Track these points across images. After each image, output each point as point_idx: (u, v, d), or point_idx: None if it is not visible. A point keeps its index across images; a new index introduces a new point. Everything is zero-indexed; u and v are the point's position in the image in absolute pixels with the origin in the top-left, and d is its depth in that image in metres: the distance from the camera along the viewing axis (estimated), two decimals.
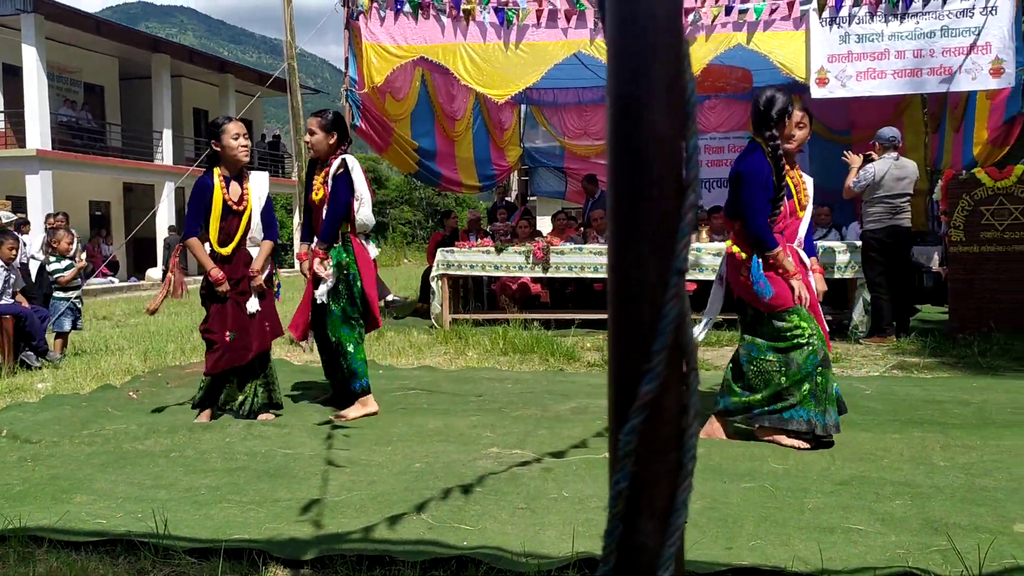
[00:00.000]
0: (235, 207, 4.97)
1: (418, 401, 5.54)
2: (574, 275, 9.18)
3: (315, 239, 5.09)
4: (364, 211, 5.10)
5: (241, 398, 5.11)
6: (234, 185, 5.00)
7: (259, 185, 5.17)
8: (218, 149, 4.97)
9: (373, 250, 5.27)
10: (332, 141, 5.07)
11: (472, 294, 10.77)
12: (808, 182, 4.45)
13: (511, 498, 3.46)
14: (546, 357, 7.26)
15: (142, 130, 24.42)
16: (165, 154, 24.29)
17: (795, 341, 4.12)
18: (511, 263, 9.20)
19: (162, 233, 22.74)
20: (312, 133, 5.05)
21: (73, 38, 21.71)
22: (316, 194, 5.11)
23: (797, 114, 4.25)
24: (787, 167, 4.21)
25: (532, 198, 16.06)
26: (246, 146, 5.01)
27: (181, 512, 3.35)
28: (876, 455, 4.00)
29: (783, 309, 4.16)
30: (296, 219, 22.26)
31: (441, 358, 7.47)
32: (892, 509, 3.26)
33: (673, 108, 0.65)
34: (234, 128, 4.97)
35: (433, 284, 9.47)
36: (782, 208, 4.20)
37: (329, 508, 3.40)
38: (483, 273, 9.67)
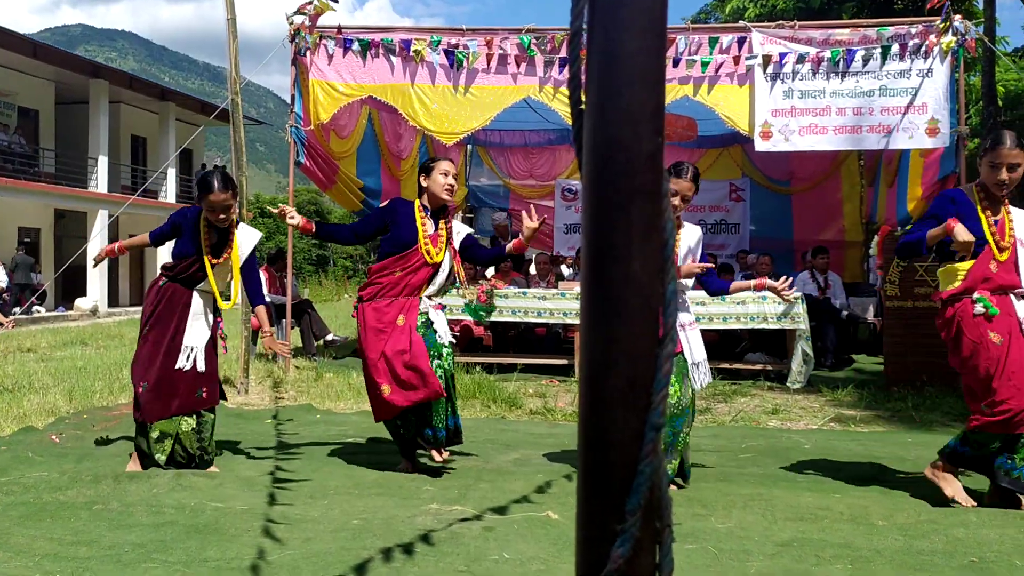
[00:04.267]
0: (210, 256, 4.72)
1: (357, 450, 5.41)
2: (517, 319, 9.15)
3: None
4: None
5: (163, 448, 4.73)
6: (212, 234, 4.78)
7: (246, 240, 4.88)
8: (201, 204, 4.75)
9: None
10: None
11: None
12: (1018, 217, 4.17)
13: (451, 559, 3.36)
14: (488, 403, 7.19)
15: (77, 156, 23.85)
16: (100, 181, 23.73)
17: None
18: (454, 305, 9.12)
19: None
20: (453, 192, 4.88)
21: (9, 61, 21.18)
22: (438, 253, 4.79)
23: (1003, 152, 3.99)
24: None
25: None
26: (223, 218, 4.70)
27: (103, 573, 3.18)
28: (817, 515, 4.00)
29: None
30: None
31: None
32: (833, 574, 3.25)
33: (652, 252, 0.61)
34: (214, 199, 4.62)
35: None
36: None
37: (260, 569, 3.26)
38: None
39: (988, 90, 15.48)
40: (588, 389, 0.63)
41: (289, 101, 9.30)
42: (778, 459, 5.20)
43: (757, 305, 8.37)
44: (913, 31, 8.29)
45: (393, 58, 8.91)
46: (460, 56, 8.77)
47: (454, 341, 4.93)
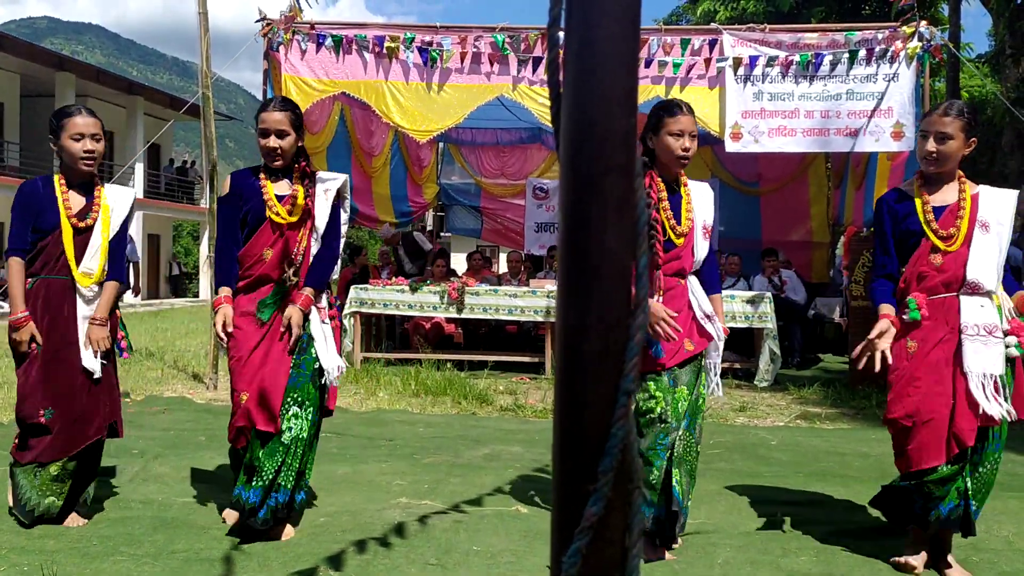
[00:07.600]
0: (74, 219, 3.69)
1: (327, 445, 5.39)
2: (488, 316, 9.17)
3: (276, 285, 3.65)
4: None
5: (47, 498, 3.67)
6: (75, 195, 3.75)
7: (119, 203, 3.87)
8: (55, 149, 3.75)
9: None
10: (298, 145, 3.78)
11: (384, 332, 10.65)
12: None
13: (421, 551, 3.39)
14: (458, 400, 7.21)
15: (42, 150, 23.50)
16: None
17: (647, 416, 3.35)
18: (426, 303, 9.13)
19: None
20: (283, 135, 3.67)
21: None
22: (291, 212, 3.66)
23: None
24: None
25: (446, 234, 16.02)
26: (90, 152, 3.69)
27: (70, 566, 3.17)
28: (783, 508, 4.08)
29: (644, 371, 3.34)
30: (204, 248, 21.42)
31: (352, 398, 7.33)
32: (798, 565, 3.32)
33: (625, 226, 0.64)
34: (80, 122, 3.68)
35: (344, 321, 9.31)
36: None
37: (230, 561, 3.26)
38: (397, 312, 9.57)
39: (952, 95, 15.78)
40: (564, 355, 0.66)
41: (259, 97, 9.26)
42: (745, 455, 5.28)
43: (726, 304, 8.46)
44: (880, 36, 8.42)
45: (366, 55, 8.89)
46: (434, 54, 8.77)
47: (342, 370, 3.69)
